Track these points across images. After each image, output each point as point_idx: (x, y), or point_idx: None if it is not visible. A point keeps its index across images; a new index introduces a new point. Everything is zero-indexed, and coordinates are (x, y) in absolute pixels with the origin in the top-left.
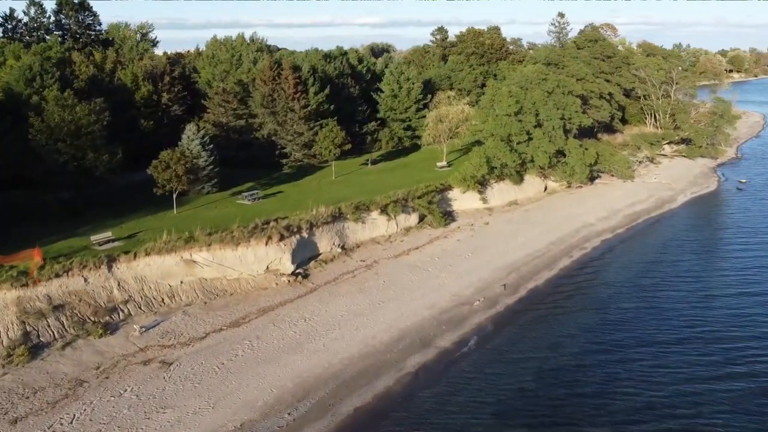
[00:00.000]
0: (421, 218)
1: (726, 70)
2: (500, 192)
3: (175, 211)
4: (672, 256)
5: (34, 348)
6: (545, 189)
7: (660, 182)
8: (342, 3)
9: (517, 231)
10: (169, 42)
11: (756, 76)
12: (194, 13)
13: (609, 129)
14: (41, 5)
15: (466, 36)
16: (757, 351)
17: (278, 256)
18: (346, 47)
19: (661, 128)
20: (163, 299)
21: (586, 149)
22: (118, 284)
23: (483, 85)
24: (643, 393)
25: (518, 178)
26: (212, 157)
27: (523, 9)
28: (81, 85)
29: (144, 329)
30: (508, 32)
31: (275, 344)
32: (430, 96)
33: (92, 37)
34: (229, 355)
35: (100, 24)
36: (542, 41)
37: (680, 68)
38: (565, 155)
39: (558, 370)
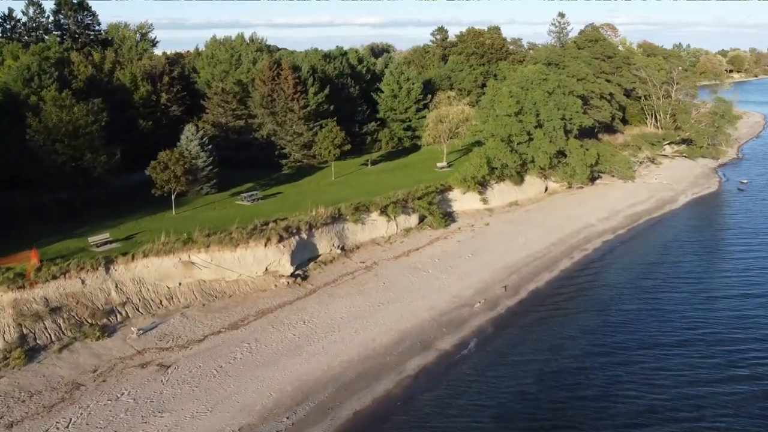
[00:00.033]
0: (421, 219)
1: (726, 71)
2: (501, 193)
3: (173, 212)
4: (673, 257)
5: (30, 351)
6: (546, 189)
7: (661, 183)
8: (342, 3)
9: (517, 232)
10: (169, 42)
11: (756, 76)
12: (194, 13)
13: (610, 129)
14: (40, 5)
15: (466, 36)
16: (759, 353)
17: (277, 258)
18: (346, 47)
19: (661, 128)
20: (161, 301)
21: (587, 150)
22: (116, 286)
23: (483, 86)
24: (645, 396)
25: (519, 178)
26: (211, 158)
27: (523, 9)
28: (79, 86)
29: (142, 332)
30: (508, 32)
31: (274, 347)
32: (430, 96)
33: (91, 37)
34: (228, 357)
35: (99, 24)
36: (542, 41)
37: (681, 68)
38: (565, 156)
39: (559, 373)
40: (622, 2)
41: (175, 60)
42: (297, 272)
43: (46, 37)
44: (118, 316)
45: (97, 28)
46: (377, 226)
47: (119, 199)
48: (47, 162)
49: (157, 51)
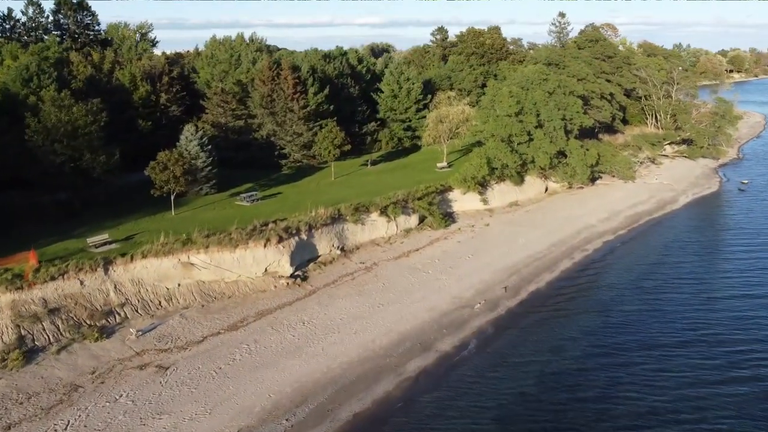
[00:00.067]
0: (421, 219)
1: (726, 71)
2: (501, 193)
3: (173, 213)
4: (674, 257)
5: (28, 352)
6: (546, 190)
7: (661, 183)
8: (342, 3)
9: (517, 232)
10: (169, 42)
11: (756, 76)
12: (194, 13)
13: (610, 129)
14: (39, 5)
15: (467, 36)
16: (761, 354)
17: (277, 259)
18: (345, 47)
19: (662, 129)
20: (160, 302)
21: (587, 150)
22: (115, 287)
23: (483, 86)
24: (646, 397)
25: (519, 179)
26: (211, 158)
27: (523, 9)
28: (79, 86)
29: (140, 333)
30: (508, 32)
31: (273, 348)
32: (430, 96)
33: (91, 37)
34: (227, 359)
35: (98, 24)
36: (542, 41)
37: (681, 68)
38: (566, 156)
39: (560, 374)
40: (622, 2)
41: (174, 60)
42: (296, 273)
43: (46, 37)
44: (117, 317)
45: (96, 28)
46: (377, 226)
47: (118, 200)
48: (46, 162)
49: (157, 51)
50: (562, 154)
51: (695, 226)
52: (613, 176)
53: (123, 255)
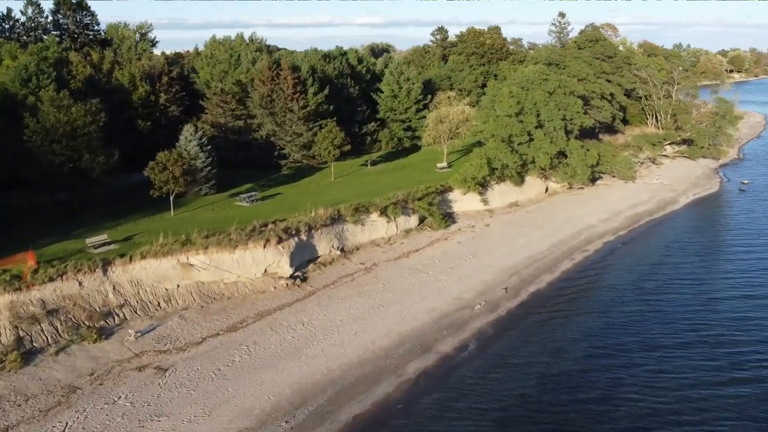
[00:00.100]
0: (421, 220)
1: (726, 71)
2: (501, 193)
3: (172, 213)
4: (675, 258)
5: (26, 354)
6: (546, 190)
7: (662, 183)
8: (342, 3)
9: (518, 233)
10: (170, 42)
11: (756, 77)
12: (194, 13)
13: (610, 130)
14: (39, 5)
15: (467, 36)
16: (762, 355)
17: (276, 259)
18: (345, 47)
19: (662, 129)
20: (159, 303)
21: (588, 150)
22: (114, 288)
23: (483, 86)
24: (647, 399)
25: (519, 179)
26: (210, 159)
27: (523, 9)
28: (78, 86)
29: (139, 334)
30: (508, 32)
31: (273, 350)
32: (430, 96)
33: (90, 37)
34: (226, 360)
35: (98, 24)
36: (542, 41)
37: (681, 68)
38: (566, 156)
39: (560, 376)
40: (622, 2)
41: (174, 60)
42: (296, 274)
43: (45, 37)
44: (116, 318)
45: (96, 28)
46: (377, 227)
47: (117, 200)
48: (45, 162)
49: (157, 51)
50: (562, 154)
51: (696, 227)
52: (614, 176)
53: (122, 256)
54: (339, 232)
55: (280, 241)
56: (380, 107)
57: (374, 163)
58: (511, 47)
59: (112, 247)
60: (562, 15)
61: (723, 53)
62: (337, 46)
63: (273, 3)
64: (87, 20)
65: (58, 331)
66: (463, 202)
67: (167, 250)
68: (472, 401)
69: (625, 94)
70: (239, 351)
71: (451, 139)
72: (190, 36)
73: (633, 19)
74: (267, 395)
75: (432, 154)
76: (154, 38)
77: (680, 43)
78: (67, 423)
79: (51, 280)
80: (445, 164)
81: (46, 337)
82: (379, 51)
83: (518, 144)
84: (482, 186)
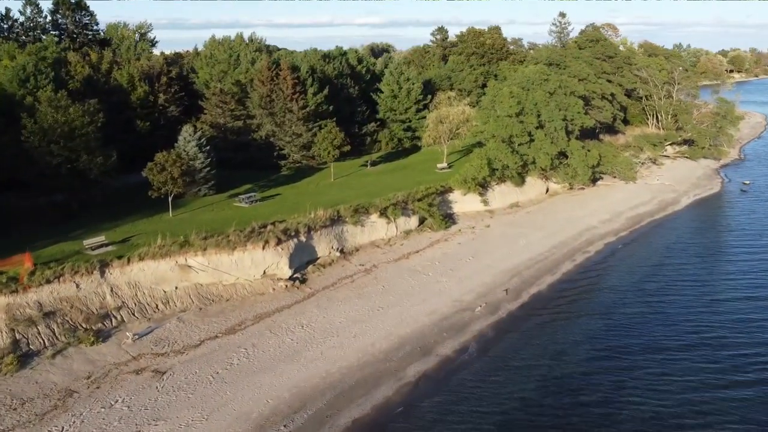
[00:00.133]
0: (422, 221)
1: (727, 71)
2: (501, 194)
3: (170, 214)
4: (676, 259)
5: (23, 356)
6: (547, 191)
7: (663, 184)
8: (342, 3)
9: (518, 234)
10: (169, 42)
11: (757, 77)
12: (194, 13)
13: (611, 130)
14: (38, 5)
15: (467, 36)
16: (765, 357)
17: (275, 261)
18: (345, 47)
19: (663, 129)
20: (157, 305)
21: (589, 150)
22: (111, 290)
23: (484, 86)
24: (649, 402)
25: (520, 179)
26: (209, 159)
27: (523, 9)
28: (76, 86)
29: (137, 336)
30: (508, 32)
31: (272, 352)
32: (430, 96)
33: (89, 37)
34: (224, 363)
35: (97, 24)
36: (542, 41)
37: (682, 68)
38: (567, 157)
39: (562, 378)
40: (622, 2)
41: (173, 60)
42: (295, 275)
43: (44, 37)
44: (113, 320)
45: (95, 27)
46: (377, 228)
47: (115, 201)
48: (43, 163)
49: (156, 51)
50: (563, 154)
51: (697, 228)
52: (615, 177)
53: (120, 257)
54: (338, 233)
55: (279, 242)
56: (380, 107)
57: (374, 163)
58: (512, 47)
59: (109, 248)
60: (562, 15)
61: (723, 53)
62: (336, 46)
63: (273, 3)
64: (86, 20)
65: (54, 334)
66: (463, 202)
67: (165, 252)
68: (473, 404)
69: (625, 95)
70: (238, 354)
71: (451, 139)
72: (190, 36)
73: (633, 19)
74: (265, 399)
75: (432, 154)
76: (154, 38)
77: (680, 43)
78: (63, 427)
79: (48, 282)
80: (445, 165)
81: (43, 340)
82: (379, 51)
83: (519, 144)
84: (483, 187)
